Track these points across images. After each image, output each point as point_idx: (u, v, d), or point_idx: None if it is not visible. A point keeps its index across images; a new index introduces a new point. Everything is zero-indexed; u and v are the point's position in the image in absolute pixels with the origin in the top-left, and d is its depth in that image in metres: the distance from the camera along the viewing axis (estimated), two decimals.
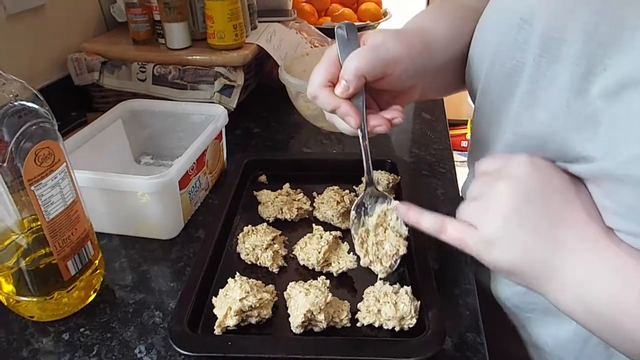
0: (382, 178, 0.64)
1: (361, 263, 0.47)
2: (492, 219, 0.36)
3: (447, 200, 0.66)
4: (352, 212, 0.48)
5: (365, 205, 0.49)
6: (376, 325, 0.46)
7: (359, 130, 0.43)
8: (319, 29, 1.15)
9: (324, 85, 0.42)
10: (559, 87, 0.36)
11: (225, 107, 0.72)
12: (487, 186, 0.38)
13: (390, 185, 0.64)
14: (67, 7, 0.89)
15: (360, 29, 1.27)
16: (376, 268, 0.48)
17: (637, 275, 0.31)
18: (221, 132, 0.70)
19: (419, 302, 0.46)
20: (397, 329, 0.45)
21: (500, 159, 0.39)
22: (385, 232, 0.48)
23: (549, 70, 0.36)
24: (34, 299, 0.46)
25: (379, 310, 0.46)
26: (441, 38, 0.47)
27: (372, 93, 0.45)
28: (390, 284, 0.48)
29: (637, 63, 0.30)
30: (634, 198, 0.31)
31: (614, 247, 0.33)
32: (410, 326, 0.45)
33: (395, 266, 0.48)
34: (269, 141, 0.84)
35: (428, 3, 1.69)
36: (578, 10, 0.33)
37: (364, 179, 0.49)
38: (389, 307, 0.45)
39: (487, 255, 0.36)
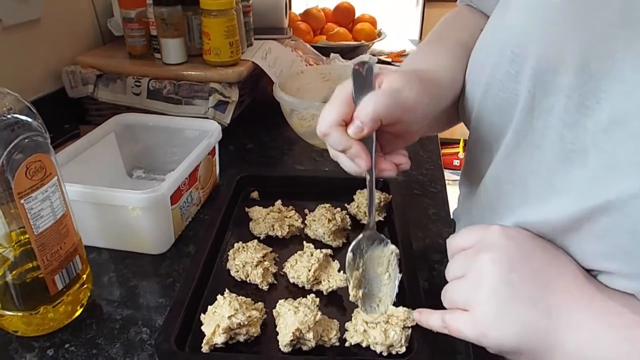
0: None
1: (354, 301, 0.45)
2: (483, 296, 0.34)
3: (438, 219, 0.67)
4: (349, 254, 0.45)
5: (362, 248, 0.46)
6: (364, 345, 0.45)
7: (366, 173, 0.42)
8: (314, 47, 1.17)
9: (336, 124, 0.40)
10: (552, 119, 0.36)
11: (219, 123, 0.72)
12: (469, 262, 0.37)
13: (382, 204, 0.64)
14: (63, 20, 0.90)
15: (355, 48, 1.30)
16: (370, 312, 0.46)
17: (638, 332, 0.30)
18: (214, 147, 0.71)
19: (410, 330, 0.45)
20: (384, 354, 0.45)
21: (475, 232, 0.38)
22: (379, 276, 0.47)
23: (542, 102, 0.36)
24: (19, 314, 0.45)
25: (365, 330, 0.45)
26: (447, 82, 0.47)
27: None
28: None
29: (626, 97, 0.30)
30: (626, 238, 0.30)
31: (607, 302, 0.32)
32: (399, 353, 0.45)
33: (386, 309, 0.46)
34: (262, 157, 0.85)
35: (422, 26, 1.73)
36: (569, 42, 0.33)
37: (366, 221, 0.46)
38: (378, 332, 0.44)
39: (487, 338, 0.34)
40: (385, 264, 0.47)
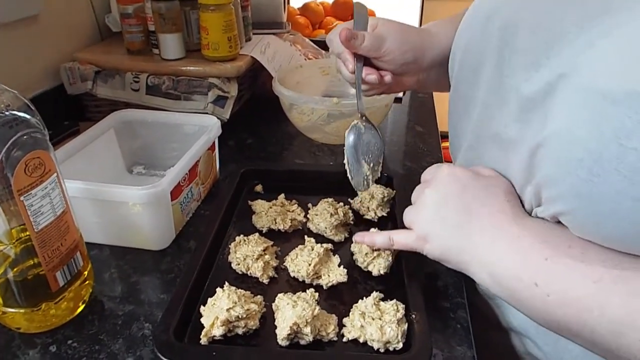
0: (377, 192, 0.64)
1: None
2: (421, 220, 0.45)
3: None
4: (349, 137, 0.56)
5: (360, 132, 0.57)
6: (361, 340, 0.46)
7: (355, 78, 0.56)
8: (313, 41, 1.16)
9: (338, 34, 0.55)
10: (514, 74, 0.40)
11: (218, 118, 0.72)
12: (419, 193, 0.46)
13: (386, 199, 0.64)
14: (61, 16, 0.89)
15: None
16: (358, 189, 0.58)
17: (534, 255, 0.37)
18: (214, 142, 0.70)
19: (407, 325, 0.46)
20: (381, 350, 0.45)
21: (432, 170, 0.47)
22: (367, 162, 0.56)
23: (507, 59, 0.41)
24: (21, 311, 0.45)
25: (362, 326, 0.46)
26: (438, 40, 0.59)
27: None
28: (380, 299, 0.48)
29: (570, 59, 0.34)
30: (552, 166, 0.35)
31: (519, 231, 0.39)
32: (397, 349, 0.45)
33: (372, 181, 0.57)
34: (262, 152, 0.84)
35: (421, 20, 1.72)
36: (527, 9, 0.40)
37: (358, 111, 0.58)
38: (374, 329, 0.45)
39: (423, 249, 0.45)
40: (372, 150, 0.56)
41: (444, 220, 0.43)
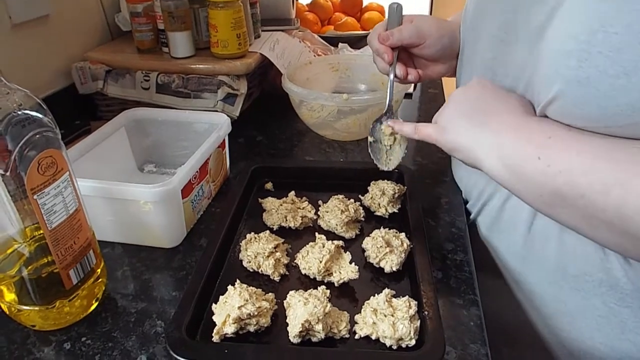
0: (387, 188, 0.64)
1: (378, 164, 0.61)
2: (445, 113, 0.51)
3: (450, 209, 0.66)
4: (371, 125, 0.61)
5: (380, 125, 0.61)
6: (373, 337, 0.45)
7: (390, 69, 0.62)
8: (322, 37, 1.16)
9: (376, 35, 0.63)
10: (527, 14, 0.46)
11: (228, 116, 0.72)
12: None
13: (397, 195, 0.64)
14: (71, 16, 0.90)
15: (363, 37, 1.29)
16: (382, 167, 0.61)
17: (538, 135, 0.42)
18: (224, 140, 0.70)
19: (419, 322, 0.45)
20: (394, 347, 0.45)
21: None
22: (392, 145, 0.60)
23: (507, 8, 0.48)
24: (36, 308, 0.46)
25: (374, 323, 0.45)
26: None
27: (413, 58, 0.66)
28: (392, 296, 0.48)
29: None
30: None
31: (525, 121, 0.44)
32: (409, 346, 0.45)
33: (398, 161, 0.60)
34: (272, 149, 0.84)
35: (431, 9, 1.71)
36: None
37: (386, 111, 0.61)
38: (386, 325, 0.44)
39: (441, 139, 0.50)
40: (398, 137, 0.60)
41: (463, 114, 0.48)
